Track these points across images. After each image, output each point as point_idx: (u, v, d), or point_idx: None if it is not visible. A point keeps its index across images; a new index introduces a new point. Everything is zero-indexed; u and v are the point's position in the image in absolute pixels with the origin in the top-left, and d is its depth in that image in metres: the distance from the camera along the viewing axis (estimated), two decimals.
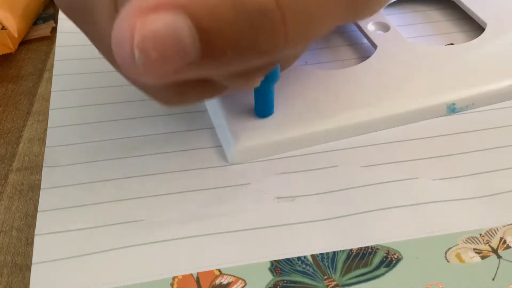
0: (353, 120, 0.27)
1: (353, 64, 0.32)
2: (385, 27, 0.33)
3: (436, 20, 0.36)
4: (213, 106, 0.28)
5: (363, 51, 0.33)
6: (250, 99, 0.28)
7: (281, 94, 0.28)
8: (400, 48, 0.31)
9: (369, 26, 0.33)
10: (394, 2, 0.37)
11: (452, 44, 0.33)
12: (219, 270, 0.22)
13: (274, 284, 0.21)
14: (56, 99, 0.30)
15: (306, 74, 0.29)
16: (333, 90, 0.28)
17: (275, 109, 0.27)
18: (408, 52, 0.31)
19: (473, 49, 0.31)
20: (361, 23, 0.33)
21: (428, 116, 0.28)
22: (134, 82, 0.21)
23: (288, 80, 0.29)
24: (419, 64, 0.30)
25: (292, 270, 0.22)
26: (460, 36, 0.34)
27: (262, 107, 0.27)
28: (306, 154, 0.27)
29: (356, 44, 0.34)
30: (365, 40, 0.34)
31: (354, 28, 0.34)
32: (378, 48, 0.31)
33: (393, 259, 0.22)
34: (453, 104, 0.28)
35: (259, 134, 0.26)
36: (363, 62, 0.30)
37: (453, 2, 0.36)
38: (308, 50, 0.33)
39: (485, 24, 0.33)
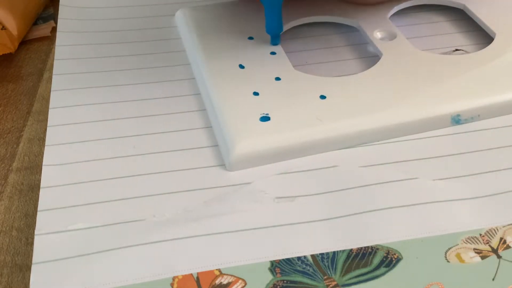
0: (353, 129, 0.27)
1: (353, 64, 0.32)
2: (392, 35, 0.33)
3: (444, 27, 0.35)
4: (212, 110, 0.28)
5: (364, 52, 0.33)
6: (248, 102, 0.28)
7: (281, 100, 0.28)
8: (405, 56, 0.31)
9: (376, 34, 0.33)
10: (401, 9, 0.36)
11: (458, 50, 0.33)
12: (219, 270, 0.22)
13: (274, 284, 0.21)
14: (56, 98, 0.30)
15: (307, 80, 0.29)
16: (334, 98, 0.28)
17: (273, 117, 0.27)
18: (413, 60, 0.30)
19: (481, 59, 0.31)
20: (368, 30, 0.33)
21: (431, 127, 0.28)
22: None
23: (289, 86, 0.29)
24: (424, 73, 0.29)
25: (292, 270, 0.22)
26: (468, 44, 0.34)
27: (271, 24, 0.31)
28: (306, 155, 0.27)
29: (357, 45, 0.34)
30: (366, 41, 0.34)
31: (355, 29, 0.34)
32: (383, 56, 0.31)
33: (393, 259, 0.22)
34: (458, 115, 0.28)
35: (257, 143, 0.26)
36: (367, 70, 0.30)
37: (462, 11, 0.36)
38: (309, 50, 0.33)
39: (494, 34, 0.32)
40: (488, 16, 0.34)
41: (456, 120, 0.28)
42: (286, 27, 0.34)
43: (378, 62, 0.30)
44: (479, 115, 0.28)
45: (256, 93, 0.28)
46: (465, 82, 0.29)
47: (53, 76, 0.31)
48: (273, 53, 0.31)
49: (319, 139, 0.26)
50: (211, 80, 0.29)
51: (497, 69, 0.30)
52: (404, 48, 0.31)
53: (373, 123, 0.27)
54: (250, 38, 0.32)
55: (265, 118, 0.27)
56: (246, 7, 0.35)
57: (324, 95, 0.28)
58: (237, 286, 0.21)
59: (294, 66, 0.30)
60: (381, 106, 0.28)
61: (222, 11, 0.35)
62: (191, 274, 0.22)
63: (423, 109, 0.28)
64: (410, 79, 0.29)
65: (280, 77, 0.29)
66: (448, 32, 0.35)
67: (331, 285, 0.21)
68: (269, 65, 0.30)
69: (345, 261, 0.22)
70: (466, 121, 0.28)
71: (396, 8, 0.35)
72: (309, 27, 0.35)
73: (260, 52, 0.31)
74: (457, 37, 0.34)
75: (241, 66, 0.30)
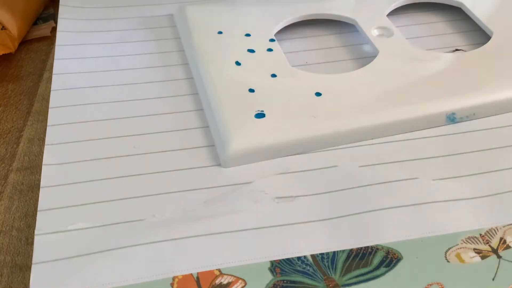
0: (348, 127, 0.27)
1: (352, 64, 0.32)
2: (389, 32, 0.33)
3: (442, 28, 0.35)
4: (208, 107, 0.28)
5: (362, 52, 0.33)
6: (244, 98, 0.28)
7: (276, 97, 0.28)
8: (402, 54, 0.31)
9: (373, 31, 0.33)
10: (400, 9, 0.36)
11: (458, 50, 0.33)
12: (219, 270, 0.22)
13: (274, 284, 0.21)
14: (56, 98, 0.30)
15: (302, 77, 0.29)
16: (330, 95, 0.28)
17: (268, 114, 0.27)
18: (410, 58, 0.30)
19: (477, 57, 0.31)
20: (365, 27, 0.33)
21: (426, 125, 0.28)
22: None
23: (284, 83, 0.29)
24: (419, 70, 0.30)
25: (292, 270, 0.22)
26: (467, 44, 0.34)
27: None
28: (305, 154, 0.27)
29: (355, 45, 0.34)
30: (364, 41, 0.34)
31: (354, 29, 0.34)
32: (380, 53, 0.31)
33: (393, 259, 0.22)
34: (453, 113, 0.28)
35: (251, 140, 0.26)
36: (363, 68, 0.30)
37: (460, 10, 0.36)
38: (306, 50, 0.33)
39: (492, 33, 0.32)
40: (486, 15, 0.34)
41: (451, 118, 0.28)
42: (284, 23, 0.34)
43: (374, 60, 0.31)
44: (474, 114, 0.28)
45: (251, 90, 0.28)
46: (460, 81, 0.29)
47: (53, 76, 0.31)
48: (269, 49, 0.31)
49: (313, 137, 0.27)
50: (207, 77, 0.29)
51: (493, 68, 0.30)
52: (400, 46, 0.31)
53: (367, 121, 0.27)
54: (247, 35, 0.32)
55: (260, 115, 0.27)
56: (243, 5, 0.35)
57: (320, 92, 0.28)
58: (237, 286, 0.21)
59: (292, 66, 0.30)
60: (376, 104, 0.28)
61: (219, 8, 0.35)
62: (191, 274, 0.22)
63: (418, 107, 0.28)
64: (406, 77, 0.29)
65: (276, 74, 0.29)
66: (446, 33, 0.35)
67: (331, 285, 0.21)
68: (265, 62, 0.30)
69: (345, 261, 0.22)
70: (462, 119, 0.28)
71: (394, 6, 0.35)
72: (307, 27, 0.35)
73: (257, 49, 0.31)
74: (455, 37, 0.34)
75: (237, 63, 0.30)
